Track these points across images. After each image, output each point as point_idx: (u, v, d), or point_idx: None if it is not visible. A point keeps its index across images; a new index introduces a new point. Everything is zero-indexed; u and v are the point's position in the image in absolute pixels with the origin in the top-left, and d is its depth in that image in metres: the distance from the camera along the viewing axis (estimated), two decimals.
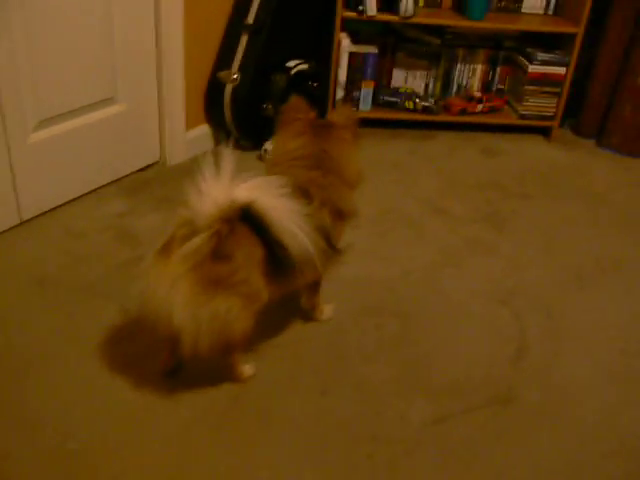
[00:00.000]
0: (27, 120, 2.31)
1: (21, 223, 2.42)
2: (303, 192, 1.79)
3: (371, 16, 2.95)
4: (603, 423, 1.85)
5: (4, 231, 2.37)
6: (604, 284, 2.40)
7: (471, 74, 3.36)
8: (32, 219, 2.44)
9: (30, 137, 2.34)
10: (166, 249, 1.62)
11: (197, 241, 1.56)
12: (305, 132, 1.94)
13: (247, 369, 1.88)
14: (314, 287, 2.05)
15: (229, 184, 1.59)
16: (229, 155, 1.62)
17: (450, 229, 2.61)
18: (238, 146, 2.93)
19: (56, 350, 1.93)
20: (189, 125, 2.86)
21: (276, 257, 1.66)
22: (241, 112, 2.79)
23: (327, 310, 2.13)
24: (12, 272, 2.21)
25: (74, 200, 2.57)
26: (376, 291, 2.26)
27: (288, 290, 1.90)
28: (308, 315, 2.11)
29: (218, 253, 1.58)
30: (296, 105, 1.99)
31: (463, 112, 3.25)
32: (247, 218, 1.62)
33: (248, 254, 1.64)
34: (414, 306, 2.21)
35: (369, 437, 1.75)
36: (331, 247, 1.87)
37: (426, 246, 2.50)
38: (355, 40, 3.15)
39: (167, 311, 1.60)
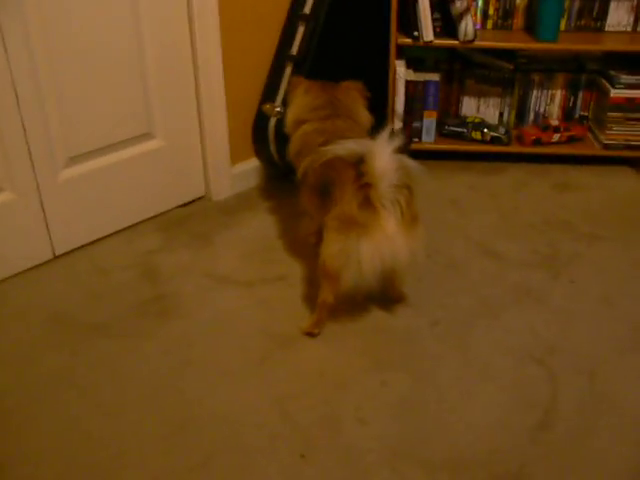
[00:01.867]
0: (56, 157, 2.32)
1: (53, 258, 2.44)
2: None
3: (428, 42, 2.74)
4: None
5: (36, 266, 2.40)
6: None
7: (549, 100, 3.04)
8: (64, 254, 2.46)
9: (60, 174, 2.36)
10: (371, 210, 1.92)
11: (403, 197, 1.93)
12: (313, 88, 2.34)
13: None
14: None
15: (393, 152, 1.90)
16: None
17: (497, 274, 2.34)
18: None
19: (50, 391, 1.90)
20: (235, 159, 2.79)
21: None
22: (285, 146, 2.68)
23: None
24: (32, 308, 2.23)
25: (110, 235, 2.55)
26: (394, 342, 2.06)
27: None
28: None
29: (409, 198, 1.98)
30: (297, 79, 2.41)
31: (537, 142, 2.95)
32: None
33: None
34: (432, 362, 1.98)
35: None
36: None
37: (464, 293, 2.25)
38: (419, 67, 2.96)
39: (398, 250, 1.95)
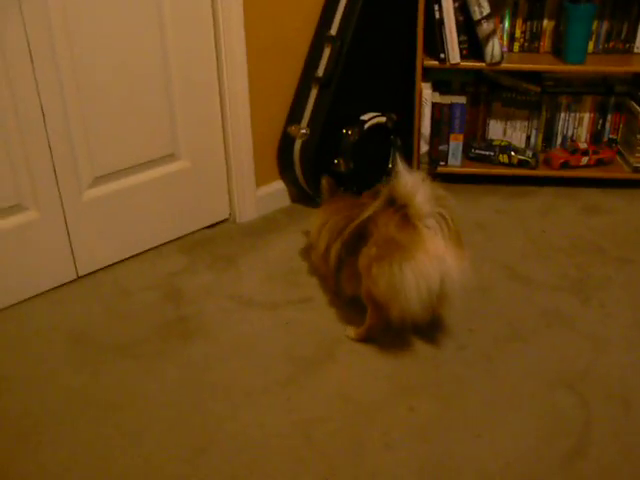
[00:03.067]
0: (81, 177, 2.32)
1: (77, 278, 2.42)
2: None
3: (454, 64, 2.72)
4: None
5: (59, 286, 2.39)
6: None
7: (577, 124, 3.01)
8: (88, 275, 2.44)
9: (85, 194, 2.35)
10: (411, 229, 1.85)
11: (446, 210, 1.89)
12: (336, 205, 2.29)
13: None
14: None
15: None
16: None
17: (526, 298, 2.29)
18: (314, 204, 2.79)
19: (70, 411, 1.88)
20: (260, 181, 2.77)
21: None
22: (311, 168, 2.66)
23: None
24: (54, 327, 2.21)
25: (134, 256, 2.54)
26: (421, 367, 2.01)
27: None
28: None
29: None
30: (327, 185, 2.36)
31: (565, 166, 2.91)
32: None
33: None
34: (460, 387, 1.93)
35: None
36: None
37: (493, 317, 2.20)
38: (445, 90, 2.94)
39: (449, 272, 1.87)
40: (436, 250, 1.85)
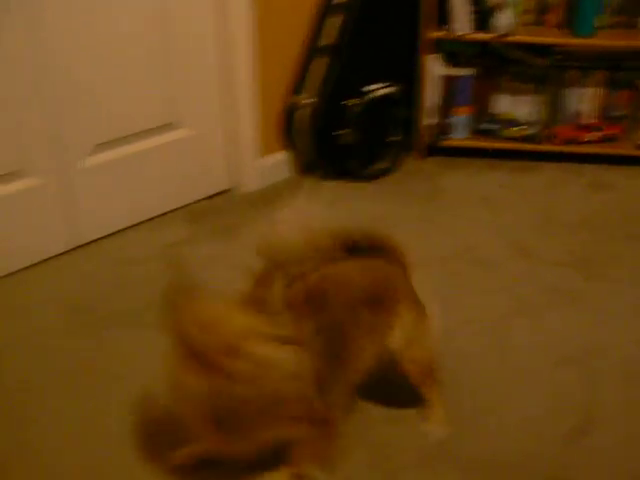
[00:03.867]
0: (83, 144, 2.29)
1: (79, 246, 2.40)
2: None
3: (462, 35, 2.69)
4: None
5: (61, 253, 2.37)
6: None
7: (584, 99, 2.99)
8: (90, 243, 2.42)
9: (86, 161, 2.32)
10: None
11: None
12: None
13: None
14: None
15: None
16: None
17: (532, 274, 2.28)
18: (329, 176, 2.77)
19: (71, 382, 1.85)
20: (265, 151, 2.73)
21: None
22: (317, 139, 2.63)
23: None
24: (54, 297, 2.19)
25: (135, 226, 2.52)
26: None
27: None
28: None
29: None
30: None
31: (570, 141, 2.89)
32: None
33: None
34: (466, 362, 1.92)
35: None
36: None
37: (498, 292, 2.19)
38: (453, 62, 2.90)
39: None
40: None
